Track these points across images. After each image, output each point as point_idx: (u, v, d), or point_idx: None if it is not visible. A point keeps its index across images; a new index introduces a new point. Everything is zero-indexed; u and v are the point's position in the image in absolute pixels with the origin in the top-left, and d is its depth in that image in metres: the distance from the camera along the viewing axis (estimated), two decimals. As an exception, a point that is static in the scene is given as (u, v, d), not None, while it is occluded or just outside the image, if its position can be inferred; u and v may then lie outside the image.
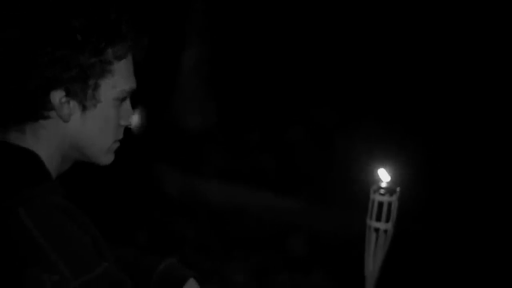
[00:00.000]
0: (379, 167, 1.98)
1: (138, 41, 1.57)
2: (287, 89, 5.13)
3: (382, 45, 4.61)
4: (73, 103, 1.52)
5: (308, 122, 5.08)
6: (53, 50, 1.47)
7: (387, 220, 1.94)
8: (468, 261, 3.93)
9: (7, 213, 1.43)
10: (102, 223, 1.66)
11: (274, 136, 5.15)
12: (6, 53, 1.49)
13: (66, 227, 1.43)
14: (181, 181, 5.09)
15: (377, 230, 1.95)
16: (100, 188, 4.27)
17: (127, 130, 1.68)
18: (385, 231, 1.95)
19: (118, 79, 1.55)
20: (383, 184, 1.96)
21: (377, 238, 1.97)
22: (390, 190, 1.95)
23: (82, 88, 1.51)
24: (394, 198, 1.94)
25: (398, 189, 1.95)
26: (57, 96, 1.50)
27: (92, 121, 1.55)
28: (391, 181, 1.96)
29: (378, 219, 1.94)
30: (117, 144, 1.62)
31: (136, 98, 1.68)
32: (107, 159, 1.62)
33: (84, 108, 1.53)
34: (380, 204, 1.93)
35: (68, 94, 1.51)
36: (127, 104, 1.61)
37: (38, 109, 1.51)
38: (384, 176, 1.97)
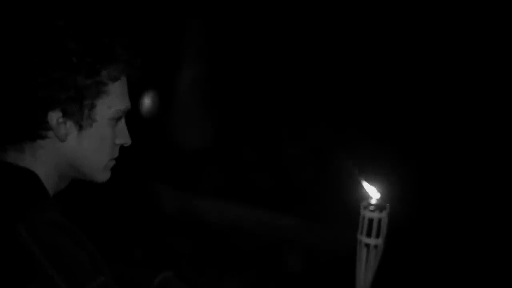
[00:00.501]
0: (369, 184, 2.03)
1: (132, 62, 1.62)
2: (283, 108, 5.17)
3: (372, 61, 4.65)
4: (70, 123, 1.57)
5: (304, 141, 5.12)
6: (50, 72, 1.52)
7: (377, 236, 1.98)
8: (458, 276, 3.97)
9: (6, 230, 1.46)
10: (98, 240, 1.70)
11: (271, 155, 5.19)
12: (4, 75, 1.54)
13: (63, 243, 1.47)
14: (178, 199, 5.12)
15: (367, 245, 1.99)
16: (97, 205, 4.30)
17: (124, 148, 1.72)
18: (376, 246, 1.99)
19: (113, 99, 1.60)
20: (373, 201, 2.00)
21: (368, 254, 2.01)
22: (379, 207, 1.99)
23: (78, 109, 1.56)
24: (384, 214, 1.98)
25: (387, 205, 1.99)
26: (54, 116, 1.55)
27: (89, 140, 1.59)
28: (381, 197, 2.01)
29: (369, 235, 1.98)
30: (113, 162, 1.67)
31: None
32: (103, 176, 1.66)
33: (80, 127, 1.58)
34: (370, 220, 1.97)
35: (65, 115, 1.55)
36: (122, 123, 1.66)
37: (36, 129, 1.55)
38: (373, 192, 2.01)
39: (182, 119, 5.54)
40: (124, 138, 1.67)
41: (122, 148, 1.71)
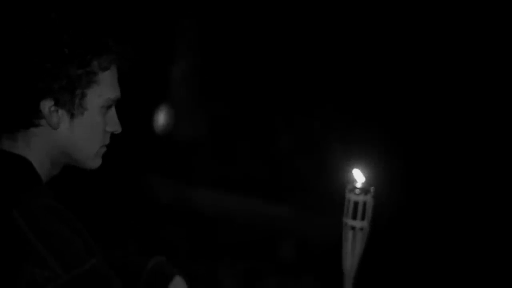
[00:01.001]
0: (354, 168, 2.08)
1: (122, 53, 1.67)
2: (276, 96, 5.20)
3: (362, 48, 4.68)
4: (62, 112, 1.62)
5: (298, 129, 5.15)
6: (43, 62, 1.57)
7: (363, 218, 2.04)
8: (444, 259, 4.02)
9: (1, 215, 1.52)
10: (93, 230, 1.75)
11: (264, 144, 5.22)
12: (-2, 66, 1.60)
13: (56, 227, 1.53)
14: (172, 189, 5.16)
15: (353, 228, 2.04)
16: (91, 196, 4.34)
17: (118, 139, 1.78)
18: (361, 229, 2.04)
19: (104, 89, 1.65)
20: (358, 184, 2.05)
21: (353, 236, 2.06)
22: (364, 190, 2.05)
23: (70, 98, 1.61)
24: (369, 198, 2.03)
25: (372, 188, 2.04)
26: (47, 105, 1.60)
27: (80, 128, 1.65)
28: (366, 181, 2.06)
29: (354, 217, 2.04)
30: (104, 149, 1.73)
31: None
32: (95, 163, 1.72)
33: (72, 116, 1.63)
34: (356, 203, 2.03)
35: (57, 103, 1.61)
36: (112, 111, 1.71)
37: (29, 118, 1.61)
38: (359, 176, 2.07)
39: (176, 110, 5.58)
40: (114, 125, 1.72)
41: (116, 138, 1.77)
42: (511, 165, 4.09)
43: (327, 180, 3.93)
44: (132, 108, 5.11)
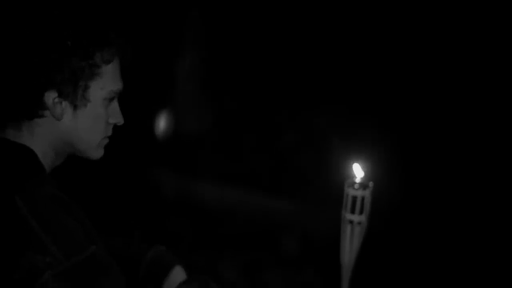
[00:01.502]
0: (353, 163, 2.11)
1: (124, 46, 1.71)
2: (282, 91, 5.22)
3: (362, 48, 4.70)
4: (65, 103, 1.66)
5: (303, 124, 5.17)
6: (47, 55, 1.61)
7: (361, 213, 2.07)
8: (441, 253, 4.04)
9: (4, 201, 1.56)
10: (97, 221, 1.78)
11: (269, 139, 5.24)
12: (4, 58, 1.63)
13: (57, 214, 1.56)
14: (177, 183, 5.19)
15: (351, 222, 2.08)
16: (97, 189, 4.37)
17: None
18: (359, 223, 2.07)
19: (106, 81, 1.68)
20: (357, 179, 2.08)
21: (352, 230, 2.09)
22: (363, 185, 2.08)
23: (73, 89, 1.65)
24: (367, 192, 2.06)
25: (371, 183, 2.07)
26: (51, 96, 1.64)
27: (83, 119, 1.68)
28: (365, 176, 2.09)
29: (352, 211, 2.07)
30: (106, 140, 1.76)
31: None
32: (97, 153, 1.75)
33: (75, 107, 1.67)
34: (354, 198, 2.06)
35: (60, 95, 1.64)
36: (115, 104, 1.75)
37: (33, 109, 1.65)
38: (358, 171, 2.10)
39: (182, 103, 5.60)
40: (116, 117, 1.76)
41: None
42: (510, 162, 4.11)
43: (329, 174, 3.96)
44: (139, 102, 5.15)
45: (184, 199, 5.10)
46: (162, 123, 5.55)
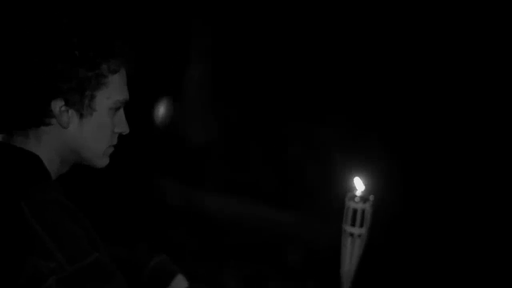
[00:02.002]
0: (354, 176, 2.14)
1: (131, 56, 1.74)
2: (289, 104, 5.23)
3: (361, 56, 4.71)
4: (72, 112, 1.69)
5: (308, 138, 5.18)
6: (54, 64, 1.64)
7: (361, 226, 2.09)
8: (442, 266, 4.05)
9: (11, 206, 1.58)
10: (102, 231, 1.80)
11: (275, 151, 5.25)
12: (12, 67, 1.67)
13: (62, 220, 1.59)
14: (182, 193, 5.20)
15: (352, 234, 2.10)
16: (102, 198, 4.39)
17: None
18: (359, 235, 2.10)
19: (112, 91, 1.72)
20: (358, 192, 2.11)
21: (352, 242, 2.12)
22: (364, 198, 2.10)
23: (79, 98, 1.68)
24: (367, 205, 2.09)
25: (371, 197, 2.10)
26: (57, 105, 1.67)
27: (89, 128, 1.71)
28: (366, 189, 2.11)
29: (353, 224, 2.09)
30: (112, 149, 1.79)
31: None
32: (102, 162, 1.78)
33: (81, 116, 1.70)
34: (355, 211, 2.08)
35: (67, 104, 1.67)
36: (121, 113, 1.78)
37: (40, 117, 1.68)
38: (359, 184, 2.12)
39: (188, 113, 5.63)
40: (122, 127, 1.79)
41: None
42: (509, 173, 4.12)
43: (332, 187, 3.98)
44: (145, 111, 5.18)
45: (189, 208, 5.11)
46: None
